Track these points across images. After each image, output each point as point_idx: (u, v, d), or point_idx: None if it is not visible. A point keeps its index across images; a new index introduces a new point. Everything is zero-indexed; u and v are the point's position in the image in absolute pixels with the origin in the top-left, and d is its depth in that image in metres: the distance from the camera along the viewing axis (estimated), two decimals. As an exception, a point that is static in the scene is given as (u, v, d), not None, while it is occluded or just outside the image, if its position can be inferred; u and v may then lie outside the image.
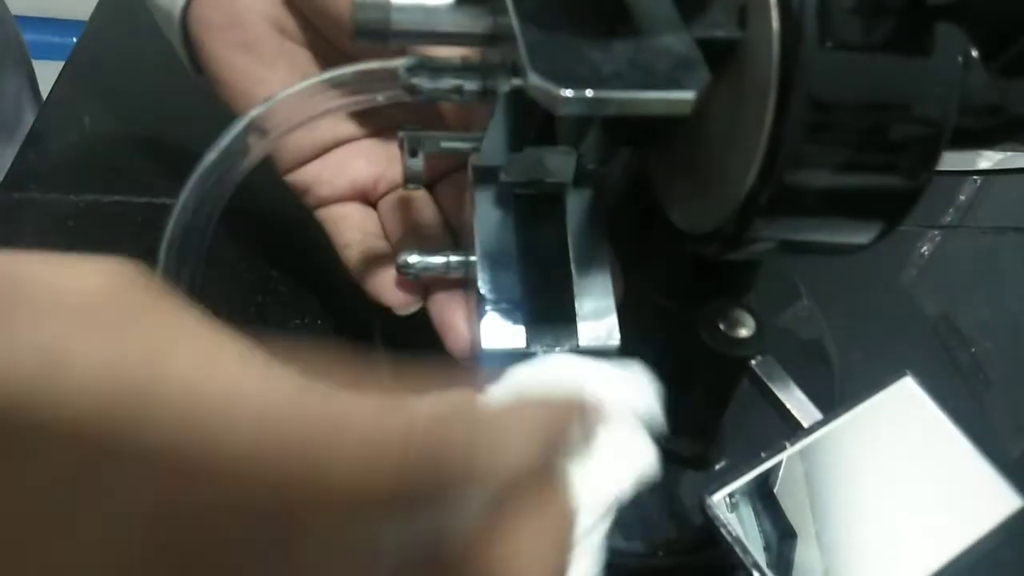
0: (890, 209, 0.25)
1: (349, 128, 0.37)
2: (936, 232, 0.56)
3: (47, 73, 0.60)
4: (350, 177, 0.36)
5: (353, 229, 0.36)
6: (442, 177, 0.36)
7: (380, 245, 0.36)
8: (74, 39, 0.57)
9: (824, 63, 0.23)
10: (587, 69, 0.22)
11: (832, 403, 0.32)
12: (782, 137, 0.23)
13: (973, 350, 0.48)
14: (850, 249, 0.27)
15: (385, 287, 0.34)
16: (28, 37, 0.65)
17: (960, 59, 0.25)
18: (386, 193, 0.37)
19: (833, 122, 0.23)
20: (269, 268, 0.44)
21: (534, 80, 0.22)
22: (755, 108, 0.24)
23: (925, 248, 0.55)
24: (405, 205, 0.36)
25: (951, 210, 0.58)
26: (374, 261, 0.35)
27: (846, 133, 0.23)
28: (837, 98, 0.23)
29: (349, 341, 0.41)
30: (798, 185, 0.24)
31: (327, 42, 0.35)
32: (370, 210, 0.37)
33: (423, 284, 0.34)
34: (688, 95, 0.22)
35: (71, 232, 0.45)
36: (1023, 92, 0.26)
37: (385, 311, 0.35)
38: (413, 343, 0.39)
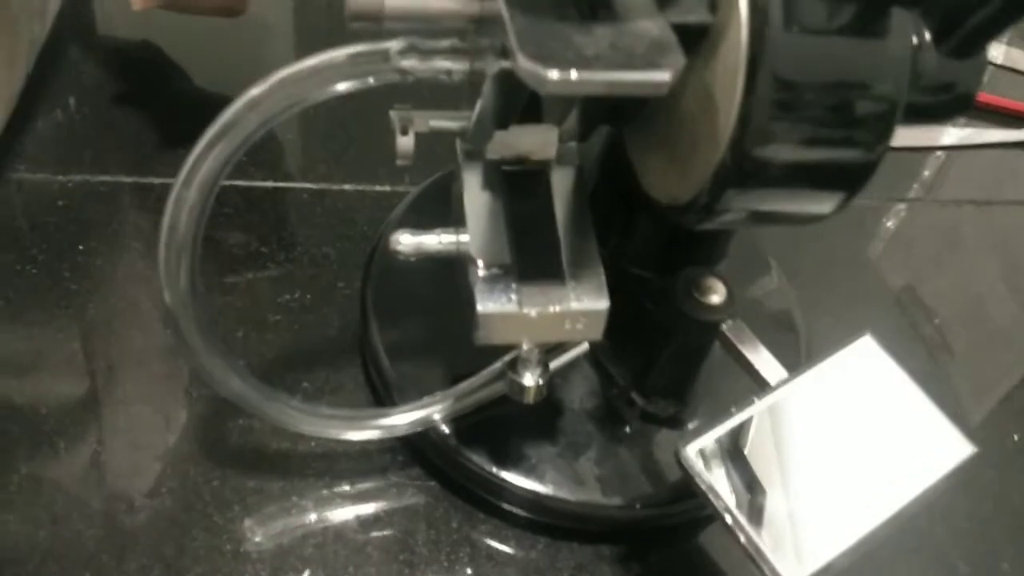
0: (849, 180, 0.27)
1: None
2: (901, 206, 0.58)
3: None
4: None
5: None
6: None
7: None
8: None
9: (788, 45, 0.25)
10: (571, 52, 0.24)
11: (798, 365, 0.34)
12: (750, 114, 0.25)
13: (936, 321, 0.50)
14: (813, 219, 0.29)
15: None
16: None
17: (913, 41, 0.27)
18: None
19: (796, 100, 0.25)
20: (258, 245, 0.46)
21: (523, 62, 0.24)
22: (725, 87, 0.26)
23: (891, 222, 0.57)
24: None
25: (915, 184, 0.60)
26: None
27: (808, 109, 0.25)
28: (800, 77, 0.25)
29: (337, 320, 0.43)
30: (765, 158, 0.26)
31: None
32: None
33: None
34: (664, 75, 0.24)
35: (62, 212, 0.46)
36: (970, 71, 0.29)
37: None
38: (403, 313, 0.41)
